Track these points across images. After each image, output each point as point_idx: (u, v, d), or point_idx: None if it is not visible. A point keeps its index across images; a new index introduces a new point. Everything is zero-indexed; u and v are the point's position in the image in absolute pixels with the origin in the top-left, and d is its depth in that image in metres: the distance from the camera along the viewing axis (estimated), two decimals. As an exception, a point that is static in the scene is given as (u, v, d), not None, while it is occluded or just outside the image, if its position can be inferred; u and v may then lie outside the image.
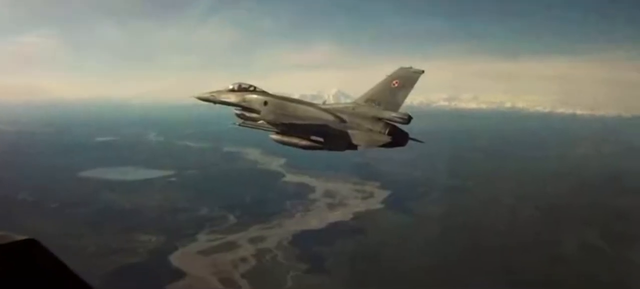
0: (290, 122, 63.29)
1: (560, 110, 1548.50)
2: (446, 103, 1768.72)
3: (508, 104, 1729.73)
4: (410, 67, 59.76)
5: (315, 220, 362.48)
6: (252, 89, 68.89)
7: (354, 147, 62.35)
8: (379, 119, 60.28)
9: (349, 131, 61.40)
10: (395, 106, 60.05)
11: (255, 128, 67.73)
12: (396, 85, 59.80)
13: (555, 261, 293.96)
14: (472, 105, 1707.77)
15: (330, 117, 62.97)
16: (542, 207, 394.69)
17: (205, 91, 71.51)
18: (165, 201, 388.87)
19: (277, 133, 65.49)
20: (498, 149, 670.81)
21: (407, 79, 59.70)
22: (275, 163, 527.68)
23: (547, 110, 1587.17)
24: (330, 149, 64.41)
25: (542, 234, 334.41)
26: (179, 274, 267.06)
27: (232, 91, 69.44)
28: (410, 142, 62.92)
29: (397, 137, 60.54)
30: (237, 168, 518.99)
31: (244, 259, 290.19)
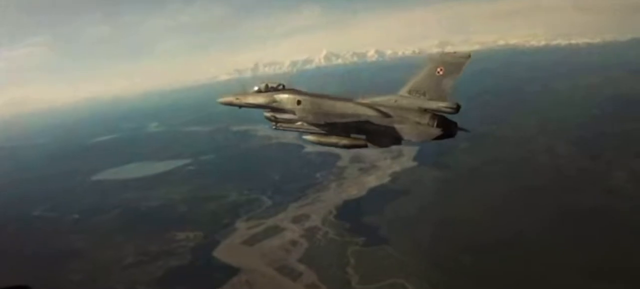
0: (333, 122, 59.31)
1: (556, 42, 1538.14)
2: (438, 50, 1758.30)
3: (501, 42, 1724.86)
4: (455, 52, 56.14)
5: (354, 188, 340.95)
6: (281, 87, 64.88)
7: (398, 142, 59.98)
8: (426, 111, 56.84)
9: (396, 126, 58.19)
10: (442, 95, 55.87)
11: (292, 130, 64.67)
12: (441, 72, 55.74)
13: (606, 194, 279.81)
14: (465, 47, 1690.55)
15: (372, 113, 59.14)
16: (574, 141, 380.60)
17: (228, 95, 67.64)
18: (190, 191, 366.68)
19: (314, 134, 62.62)
20: (504, 89, 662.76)
21: (452, 65, 55.52)
22: (290, 135, 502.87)
23: (542, 43, 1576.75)
24: (374, 146, 61.81)
25: (587, 170, 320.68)
26: (231, 271, 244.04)
27: (259, 91, 65.56)
28: None
29: (447, 128, 57.24)
30: (253, 146, 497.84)
31: (294, 243, 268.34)
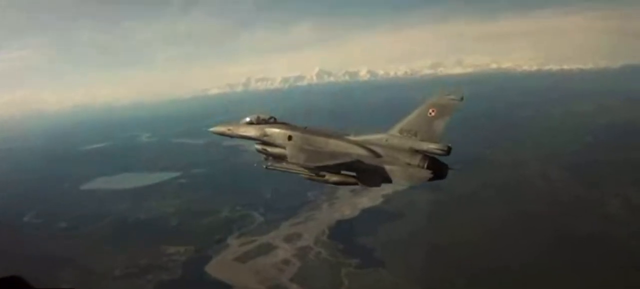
0: (324, 165, 57.98)
1: (548, 67, 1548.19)
2: (431, 71, 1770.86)
3: (494, 66, 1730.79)
4: (448, 94, 54.91)
5: (346, 208, 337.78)
6: (272, 120, 64.64)
7: (389, 180, 57.53)
8: (417, 151, 55.66)
9: (386, 167, 56.90)
10: (433, 136, 54.90)
11: (284, 171, 62.58)
12: (433, 113, 54.90)
13: (602, 220, 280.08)
14: (458, 70, 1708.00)
15: (363, 152, 58.29)
16: (567, 167, 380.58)
17: (220, 125, 67.36)
18: (182, 205, 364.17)
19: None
20: (497, 112, 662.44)
21: (445, 107, 54.74)
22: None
23: (534, 68, 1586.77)
24: (364, 185, 59.00)
25: (581, 197, 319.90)
26: (223, 288, 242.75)
27: (251, 123, 64.98)
28: None
29: (438, 170, 55.84)
30: (244, 162, 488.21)
31: (286, 262, 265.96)
